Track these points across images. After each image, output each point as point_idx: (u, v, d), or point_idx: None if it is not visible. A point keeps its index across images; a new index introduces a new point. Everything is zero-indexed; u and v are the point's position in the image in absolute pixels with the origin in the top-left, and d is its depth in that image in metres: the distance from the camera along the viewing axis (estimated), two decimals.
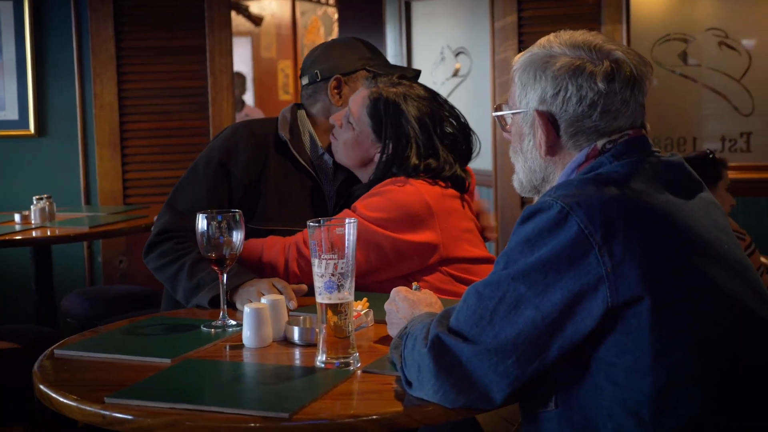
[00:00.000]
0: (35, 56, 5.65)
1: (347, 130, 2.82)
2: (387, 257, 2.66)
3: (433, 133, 2.77)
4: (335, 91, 2.93)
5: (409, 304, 2.13)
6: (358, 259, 2.63)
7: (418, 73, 2.93)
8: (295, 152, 2.88)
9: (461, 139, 2.85)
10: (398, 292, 2.19)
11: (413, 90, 2.81)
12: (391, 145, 2.76)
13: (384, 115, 2.76)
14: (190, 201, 2.78)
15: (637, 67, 1.82)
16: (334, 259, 1.95)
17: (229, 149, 2.84)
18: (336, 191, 2.96)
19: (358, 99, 2.82)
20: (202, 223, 2.33)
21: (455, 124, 2.84)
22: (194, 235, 2.62)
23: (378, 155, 2.79)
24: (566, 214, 1.67)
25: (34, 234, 4.34)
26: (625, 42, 5.47)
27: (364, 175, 2.86)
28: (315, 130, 2.96)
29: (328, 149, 2.94)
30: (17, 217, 4.53)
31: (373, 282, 2.69)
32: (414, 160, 2.73)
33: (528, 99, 1.85)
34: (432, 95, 2.84)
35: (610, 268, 1.63)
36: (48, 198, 4.59)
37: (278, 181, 2.86)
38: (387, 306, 2.20)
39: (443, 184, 2.75)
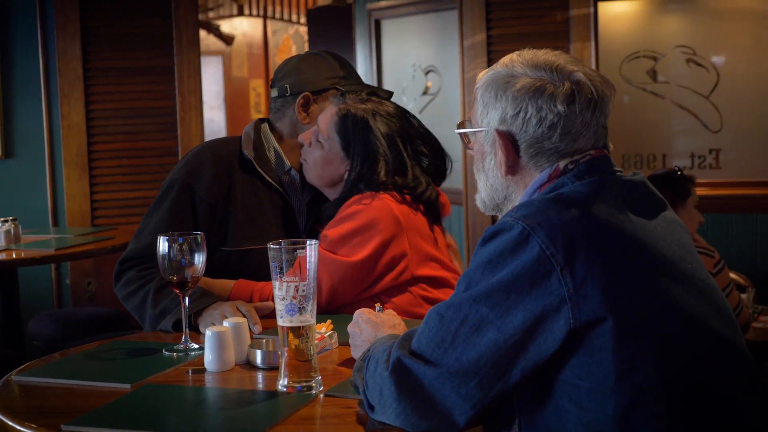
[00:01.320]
0: (1, 77, 5.61)
1: (316, 149, 2.78)
2: (359, 281, 2.64)
3: (403, 151, 2.74)
4: (302, 108, 2.88)
5: (373, 326, 2.11)
6: (335, 290, 2.61)
7: (390, 94, 2.91)
8: (260, 170, 2.84)
9: (433, 158, 2.82)
10: (361, 314, 2.17)
11: (383, 107, 2.78)
12: (359, 163, 2.73)
13: (352, 132, 2.73)
14: (153, 225, 2.75)
15: (599, 88, 1.80)
16: (295, 281, 1.92)
17: (192, 170, 2.80)
18: (306, 207, 2.93)
19: (327, 116, 2.78)
20: (163, 245, 2.30)
21: (426, 142, 2.82)
22: (153, 260, 2.61)
23: (347, 173, 2.77)
24: (527, 234, 1.65)
25: None
26: (593, 60, 5.49)
27: (334, 195, 2.82)
28: (281, 145, 2.92)
29: (296, 165, 2.91)
30: None
31: (346, 304, 2.67)
32: (382, 176, 2.70)
33: (489, 118, 1.84)
34: (401, 112, 2.81)
35: (572, 289, 1.61)
36: (13, 220, 4.55)
37: (246, 199, 2.82)
38: (350, 328, 2.18)
39: (414, 206, 2.72)
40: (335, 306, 2.64)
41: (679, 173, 4.24)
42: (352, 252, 2.62)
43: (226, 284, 2.71)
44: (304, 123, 2.88)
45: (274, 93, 2.94)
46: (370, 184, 2.71)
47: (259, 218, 2.82)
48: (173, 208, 2.76)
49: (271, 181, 2.85)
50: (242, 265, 2.77)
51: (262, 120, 2.98)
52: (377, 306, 2.27)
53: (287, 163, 2.90)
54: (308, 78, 2.89)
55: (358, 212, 2.65)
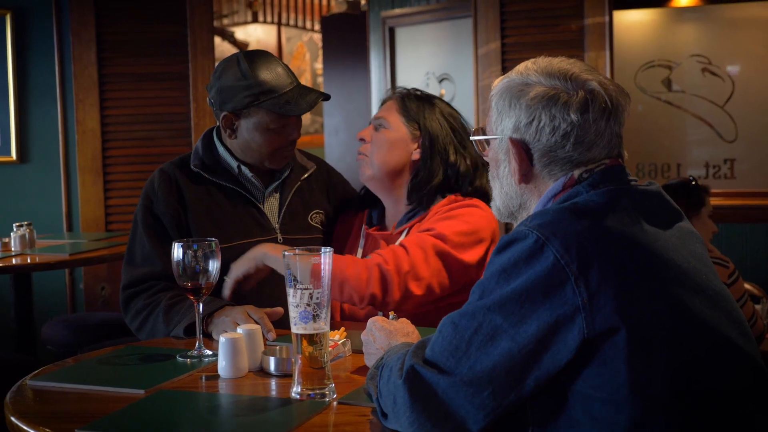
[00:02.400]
0: (17, 82, 5.64)
1: (380, 135, 2.83)
2: (460, 280, 2.68)
3: (460, 129, 2.83)
4: (226, 127, 2.85)
5: (386, 334, 2.11)
6: (438, 281, 2.63)
7: (326, 96, 2.88)
8: (209, 176, 2.87)
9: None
10: (375, 322, 2.17)
11: (432, 95, 2.90)
12: (429, 138, 2.79)
13: (417, 109, 2.81)
14: (140, 252, 2.81)
15: (614, 97, 1.79)
16: (310, 289, 1.92)
17: (147, 194, 2.86)
18: (280, 190, 2.94)
19: (387, 105, 2.86)
20: (177, 252, 2.31)
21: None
22: (157, 283, 2.70)
23: (416, 152, 2.81)
24: (542, 244, 1.65)
25: (14, 261, 4.32)
26: (608, 69, 5.48)
27: (391, 190, 2.85)
28: (226, 147, 2.91)
29: (246, 159, 2.89)
30: None
31: (445, 305, 2.67)
32: (458, 158, 2.79)
33: (503, 126, 1.84)
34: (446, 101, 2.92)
35: (586, 298, 1.61)
36: (28, 225, 4.57)
37: (202, 205, 2.84)
38: (364, 336, 2.18)
39: None
40: (424, 301, 2.64)
41: (693, 183, 4.23)
42: (466, 252, 2.66)
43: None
44: (231, 138, 2.87)
45: (208, 100, 2.93)
46: (449, 166, 2.78)
47: (220, 219, 2.84)
48: (148, 230, 2.81)
49: (224, 183, 2.87)
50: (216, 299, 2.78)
51: (213, 128, 3.00)
52: (391, 315, 2.27)
53: (233, 162, 2.89)
54: (226, 97, 2.80)
55: (464, 215, 2.71)
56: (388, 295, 2.56)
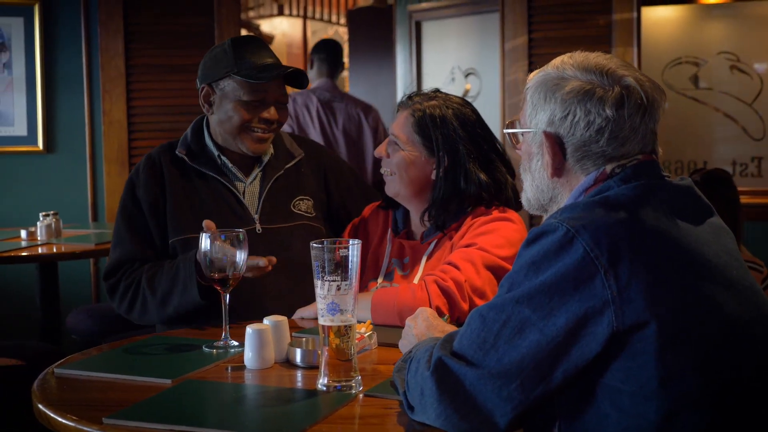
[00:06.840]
0: (45, 72, 5.66)
1: (397, 155, 2.78)
2: None
3: (481, 140, 2.79)
4: (204, 100, 2.91)
5: (427, 326, 2.16)
6: (491, 290, 2.61)
7: (299, 72, 2.88)
8: (192, 164, 2.91)
9: (501, 149, 2.87)
10: (423, 311, 2.22)
11: (450, 100, 2.81)
12: (446, 158, 2.74)
13: (432, 129, 2.74)
14: (117, 236, 2.90)
15: (649, 94, 1.79)
16: (337, 280, 1.92)
17: (131, 178, 2.95)
18: (261, 179, 2.94)
19: (401, 121, 2.79)
20: (205, 243, 2.32)
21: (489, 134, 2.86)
22: (131, 264, 2.81)
23: (434, 173, 2.76)
24: (572, 237, 1.64)
25: (40, 250, 4.34)
26: (635, 65, 5.46)
27: (419, 205, 2.82)
28: (212, 136, 2.95)
29: (229, 148, 2.93)
30: (23, 234, 4.54)
31: None
32: (480, 174, 2.74)
33: (537, 119, 1.83)
34: (466, 102, 2.85)
35: (616, 292, 1.60)
36: (54, 214, 4.59)
37: (180, 192, 2.88)
38: (409, 321, 2.22)
39: None
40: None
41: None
42: (510, 264, 2.66)
43: (364, 297, 2.62)
44: (209, 113, 2.92)
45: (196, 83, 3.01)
46: (470, 182, 2.73)
47: (197, 207, 2.87)
48: (124, 214, 2.90)
49: (206, 171, 2.91)
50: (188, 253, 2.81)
51: (204, 115, 3.03)
52: (445, 316, 2.30)
53: (215, 151, 2.93)
54: (207, 71, 2.91)
55: (500, 228, 2.69)
56: (456, 308, 2.53)
